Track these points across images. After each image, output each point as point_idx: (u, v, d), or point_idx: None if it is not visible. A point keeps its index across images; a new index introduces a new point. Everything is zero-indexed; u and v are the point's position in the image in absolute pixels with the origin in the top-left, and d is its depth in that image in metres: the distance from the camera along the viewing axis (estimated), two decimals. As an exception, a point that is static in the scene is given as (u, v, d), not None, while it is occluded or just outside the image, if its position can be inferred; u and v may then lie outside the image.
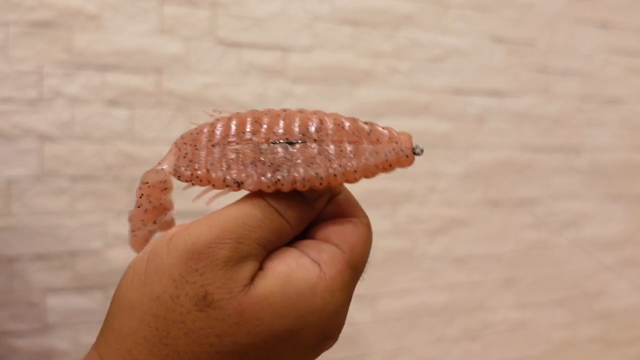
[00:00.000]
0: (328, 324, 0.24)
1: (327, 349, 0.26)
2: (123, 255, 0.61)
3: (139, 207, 0.27)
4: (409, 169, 0.85)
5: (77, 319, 0.60)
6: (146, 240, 0.28)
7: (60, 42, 0.59)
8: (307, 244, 0.25)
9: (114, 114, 0.61)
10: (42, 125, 0.59)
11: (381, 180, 0.77)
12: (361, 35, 0.72)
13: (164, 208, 0.28)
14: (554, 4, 0.85)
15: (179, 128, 0.64)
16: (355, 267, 0.25)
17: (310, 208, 0.26)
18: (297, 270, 0.23)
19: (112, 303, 0.24)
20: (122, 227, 0.61)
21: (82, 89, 0.60)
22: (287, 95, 0.68)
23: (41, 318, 0.59)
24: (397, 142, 0.27)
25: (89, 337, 0.61)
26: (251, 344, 0.22)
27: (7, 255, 0.58)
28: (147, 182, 0.27)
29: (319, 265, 0.24)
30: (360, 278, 0.26)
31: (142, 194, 0.27)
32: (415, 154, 0.27)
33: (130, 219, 0.28)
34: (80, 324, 0.61)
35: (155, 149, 0.63)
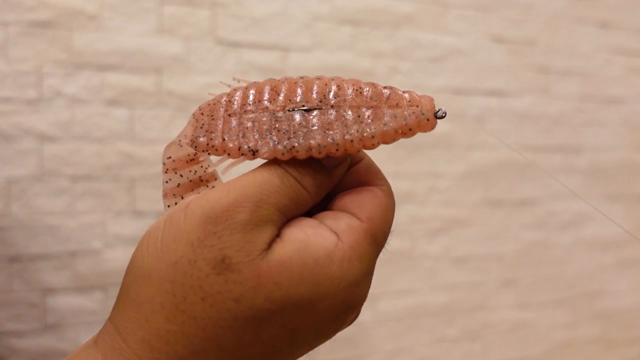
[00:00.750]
0: (347, 294, 0.23)
1: (348, 323, 0.25)
2: (123, 255, 0.61)
3: (167, 182, 0.27)
4: (409, 169, 0.84)
5: (77, 319, 0.60)
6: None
7: (60, 42, 0.59)
8: (326, 214, 0.25)
9: (114, 114, 0.61)
10: (42, 125, 0.59)
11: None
12: (361, 35, 0.72)
13: (204, 180, 0.28)
14: (554, 4, 0.85)
15: (179, 128, 0.64)
16: (374, 236, 0.24)
17: (328, 176, 0.25)
18: (314, 237, 0.23)
19: (126, 274, 0.24)
20: (122, 227, 0.61)
21: (82, 89, 0.60)
22: (287, 95, 0.68)
23: (41, 318, 0.59)
24: (417, 106, 0.26)
25: (89, 337, 0.61)
26: (269, 309, 0.22)
27: (7, 255, 0.58)
28: (170, 157, 0.27)
29: (336, 234, 0.23)
30: (383, 249, 0.26)
31: (167, 169, 0.27)
32: (437, 117, 0.26)
33: (164, 195, 0.28)
34: (80, 324, 0.61)
35: (155, 149, 0.63)
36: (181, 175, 0.27)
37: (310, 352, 0.24)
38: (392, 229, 0.26)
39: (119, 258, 0.61)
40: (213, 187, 0.28)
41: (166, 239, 0.23)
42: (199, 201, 0.23)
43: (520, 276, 0.85)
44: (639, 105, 0.92)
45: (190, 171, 0.28)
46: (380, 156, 0.79)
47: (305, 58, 0.69)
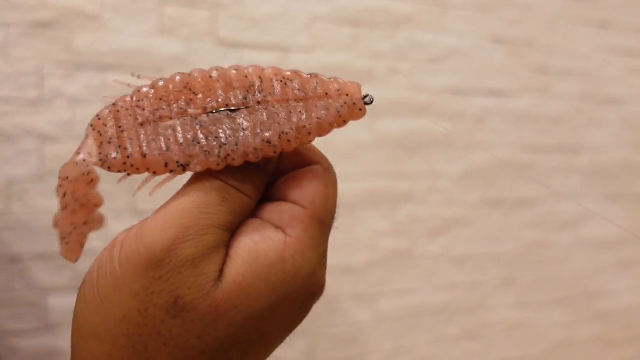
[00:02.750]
0: (306, 286, 0.22)
1: (313, 305, 0.24)
2: (123, 255, 0.61)
3: (64, 208, 0.23)
4: (409, 169, 0.84)
5: (77, 319, 0.60)
6: (81, 245, 0.24)
7: (61, 43, 0.59)
8: (266, 208, 0.23)
9: (115, 114, 0.61)
10: (43, 126, 0.59)
11: (381, 180, 0.78)
12: (361, 35, 0.73)
13: (93, 204, 0.24)
14: (553, 4, 0.85)
15: (179, 128, 0.64)
16: (321, 220, 0.23)
17: (264, 174, 0.24)
18: (261, 242, 0.21)
19: (73, 334, 0.22)
20: (122, 227, 0.61)
21: (82, 89, 0.60)
22: (287, 95, 0.68)
23: (42, 318, 0.59)
24: (347, 95, 0.24)
25: (90, 337, 0.61)
26: (233, 334, 0.21)
27: (8, 255, 0.58)
28: (68, 177, 0.23)
29: (282, 229, 0.22)
30: (333, 227, 0.24)
31: (64, 193, 0.23)
32: (366, 104, 0.25)
33: (57, 225, 0.24)
34: (81, 323, 0.61)
35: (156, 149, 0.63)
36: (76, 200, 0.23)
37: (310, 351, 0.24)
38: (338, 202, 0.25)
39: (120, 258, 0.61)
40: (100, 215, 0.24)
41: (105, 293, 0.21)
42: (133, 245, 0.21)
43: (520, 276, 0.85)
44: (638, 105, 0.92)
45: (85, 196, 0.24)
46: (380, 156, 0.79)
47: (305, 58, 0.69)
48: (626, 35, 0.90)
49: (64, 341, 0.60)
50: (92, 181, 0.24)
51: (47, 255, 0.59)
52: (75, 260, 0.24)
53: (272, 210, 0.23)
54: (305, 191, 0.23)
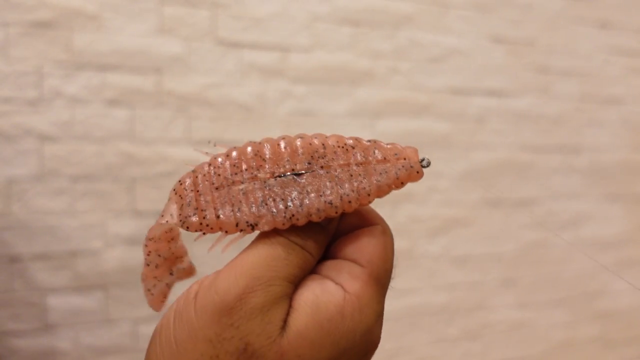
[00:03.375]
0: (364, 342, 0.23)
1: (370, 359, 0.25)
2: (123, 255, 0.61)
3: (148, 264, 0.26)
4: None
5: (77, 319, 0.60)
6: (165, 295, 0.27)
7: (61, 42, 0.59)
8: (327, 266, 0.25)
9: (114, 114, 0.61)
10: (43, 125, 0.59)
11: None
12: (361, 35, 0.73)
13: (176, 257, 0.27)
14: (553, 4, 0.85)
15: (179, 128, 0.64)
16: (377, 278, 0.24)
17: (326, 233, 0.26)
18: (321, 295, 0.23)
19: None
20: (122, 227, 0.61)
21: (82, 89, 0.60)
22: (287, 95, 0.68)
23: (41, 318, 0.59)
24: (405, 159, 0.26)
25: (89, 337, 0.61)
26: None
27: (8, 255, 0.58)
28: (153, 238, 0.26)
29: (341, 286, 0.23)
30: (390, 286, 0.26)
31: (149, 252, 0.26)
32: (423, 166, 0.26)
33: (143, 279, 0.27)
34: (81, 323, 0.61)
35: (156, 149, 0.63)
36: (159, 255, 0.26)
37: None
38: (394, 265, 0.26)
39: (119, 258, 0.61)
40: (186, 262, 0.27)
41: (180, 339, 0.22)
42: (208, 294, 0.22)
43: (520, 276, 0.85)
44: (638, 105, 0.92)
45: (168, 249, 0.26)
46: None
47: (305, 58, 0.69)
48: (626, 35, 0.90)
49: (62, 341, 0.60)
50: (174, 238, 0.26)
51: (47, 255, 0.59)
52: (160, 310, 0.27)
53: (332, 267, 0.25)
54: (364, 250, 0.25)
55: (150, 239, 0.26)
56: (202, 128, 0.65)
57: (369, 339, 0.24)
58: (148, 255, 0.26)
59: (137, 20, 0.62)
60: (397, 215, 0.75)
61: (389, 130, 0.74)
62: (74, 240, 0.60)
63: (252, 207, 0.24)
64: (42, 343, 0.59)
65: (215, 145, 0.26)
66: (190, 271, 0.27)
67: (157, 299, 0.27)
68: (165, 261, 0.26)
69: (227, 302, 0.22)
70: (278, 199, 0.24)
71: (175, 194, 0.25)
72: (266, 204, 0.24)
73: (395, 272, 0.26)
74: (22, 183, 0.58)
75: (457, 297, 0.81)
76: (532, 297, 0.86)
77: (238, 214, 0.24)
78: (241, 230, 0.24)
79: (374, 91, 0.73)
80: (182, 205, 0.25)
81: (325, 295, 0.23)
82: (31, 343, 0.59)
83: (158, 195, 0.63)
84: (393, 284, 0.26)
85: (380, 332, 0.25)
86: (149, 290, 0.26)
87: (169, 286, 0.27)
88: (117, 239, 0.61)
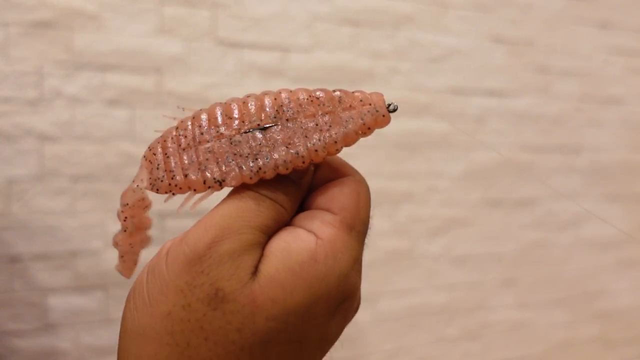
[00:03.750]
0: (339, 288, 0.23)
1: (351, 312, 0.25)
2: (123, 255, 0.61)
3: (124, 230, 0.26)
4: (409, 169, 0.84)
5: (77, 319, 0.60)
6: (135, 262, 0.27)
7: (61, 42, 0.59)
8: (299, 217, 0.25)
9: (114, 114, 0.61)
10: (43, 126, 0.59)
11: (381, 180, 0.77)
12: (361, 35, 0.73)
13: (145, 227, 0.27)
14: (553, 4, 0.85)
15: (179, 128, 0.64)
16: (351, 225, 0.24)
17: (298, 187, 0.26)
18: (293, 242, 0.23)
19: (121, 337, 0.23)
20: (123, 227, 0.61)
21: (82, 89, 0.60)
22: (287, 95, 0.68)
23: (42, 318, 0.59)
24: (370, 104, 0.26)
25: (90, 337, 0.61)
26: (271, 328, 0.21)
27: (8, 255, 0.58)
28: (128, 203, 0.26)
29: (314, 233, 0.23)
30: (368, 234, 0.26)
31: (125, 217, 0.26)
32: (390, 111, 0.26)
33: (118, 244, 0.26)
34: (81, 323, 0.61)
35: (156, 149, 0.63)
36: (134, 222, 0.26)
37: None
38: (371, 213, 0.26)
39: (119, 258, 0.61)
40: (149, 235, 0.27)
41: (153, 292, 0.22)
42: (179, 247, 0.22)
43: (520, 276, 0.85)
44: (638, 105, 0.92)
45: (141, 219, 0.27)
46: (379, 156, 0.79)
47: (305, 58, 0.69)
48: (626, 35, 0.90)
49: (63, 341, 0.60)
50: (147, 206, 0.27)
51: (47, 255, 0.59)
52: (129, 275, 0.27)
53: (304, 217, 0.25)
54: (336, 198, 0.25)
55: (125, 205, 0.26)
56: (164, 116, 0.65)
57: (345, 284, 0.23)
58: (124, 221, 0.26)
59: (137, 20, 0.62)
60: (397, 215, 0.75)
61: (389, 130, 0.74)
62: (74, 240, 0.60)
63: (218, 163, 0.24)
64: (42, 343, 0.59)
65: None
66: (148, 241, 0.27)
67: (128, 265, 0.27)
68: (137, 230, 0.27)
69: (196, 251, 0.22)
70: (245, 154, 0.24)
71: (145, 159, 0.26)
72: (233, 160, 0.24)
73: (373, 222, 0.26)
74: (22, 183, 0.58)
75: (457, 297, 0.81)
76: (532, 297, 0.86)
77: (205, 172, 0.24)
78: (209, 187, 0.24)
79: (374, 91, 0.73)
80: (152, 169, 0.25)
81: (297, 242, 0.23)
82: (31, 343, 0.59)
83: (158, 195, 0.63)
84: (387, 247, 0.26)
85: (358, 279, 0.25)
86: (122, 256, 0.27)
87: (136, 254, 0.27)
88: (117, 239, 0.61)
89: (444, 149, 0.78)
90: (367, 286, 0.72)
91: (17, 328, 0.58)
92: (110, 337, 0.61)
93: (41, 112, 0.59)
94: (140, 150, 0.63)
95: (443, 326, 0.80)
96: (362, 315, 0.74)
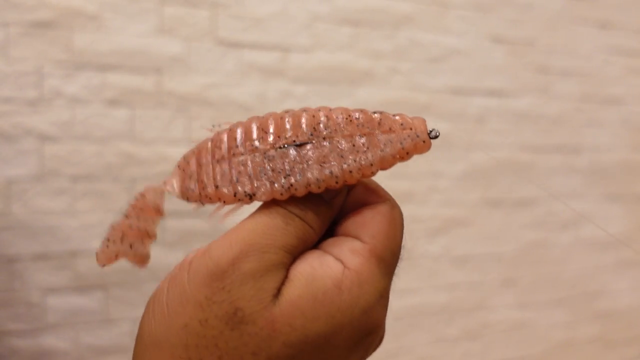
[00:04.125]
0: (363, 321, 0.22)
1: (373, 347, 0.24)
2: (123, 255, 0.61)
3: (126, 217, 0.26)
4: (409, 168, 0.84)
5: (77, 319, 0.60)
6: (111, 259, 0.26)
7: (61, 42, 0.59)
8: (328, 242, 0.24)
9: (114, 114, 0.61)
10: (43, 125, 0.59)
11: (380, 180, 0.77)
12: (361, 35, 0.73)
13: (147, 235, 0.26)
14: (553, 4, 0.85)
15: (179, 128, 0.64)
16: (380, 256, 0.23)
17: (329, 208, 0.25)
18: (319, 268, 0.22)
19: (136, 344, 0.23)
20: (123, 227, 0.61)
21: (82, 89, 0.60)
22: (287, 95, 0.68)
23: (41, 318, 0.59)
24: (411, 129, 0.25)
25: (89, 337, 0.61)
26: (288, 355, 0.21)
27: (8, 255, 0.58)
28: (145, 196, 0.26)
29: (341, 261, 0.23)
30: (398, 265, 0.25)
31: (134, 206, 0.26)
32: (431, 137, 0.26)
33: (112, 228, 0.26)
34: (81, 323, 0.61)
35: (156, 149, 0.63)
36: (138, 218, 0.26)
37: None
38: (403, 244, 0.25)
39: (119, 258, 0.61)
40: (147, 251, 0.26)
41: (172, 303, 0.22)
42: (202, 259, 0.22)
43: (520, 276, 0.85)
44: (638, 105, 0.92)
45: (147, 220, 0.26)
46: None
47: (305, 58, 0.69)
48: (626, 35, 0.90)
49: (62, 341, 0.60)
50: (159, 212, 0.26)
51: (47, 255, 0.59)
52: (103, 265, 0.26)
53: (333, 243, 0.24)
54: (367, 226, 0.24)
55: (142, 195, 0.26)
56: (202, 128, 0.65)
57: (370, 317, 0.23)
58: (132, 208, 0.26)
59: (137, 20, 0.62)
60: (397, 215, 0.75)
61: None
62: (74, 240, 0.60)
63: (250, 177, 0.24)
64: (42, 343, 0.59)
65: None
66: (143, 258, 0.26)
67: (108, 256, 0.26)
68: (138, 230, 0.26)
69: (219, 266, 0.21)
70: (277, 169, 0.24)
71: (179, 168, 0.26)
72: (265, 174, 0.24)
73: (404, 252, 0.25)
74: (22, 183, 0.58)
75: (457, 297, 0.81)
76: (532, 297, 0.86)
77: (236, 184, 0.24)
78: (239, 200, 0.24)
79: (374, 91, 0.73)
80: (184, 178, 0.25)
81: (323, 268, 0.22)
82: (31, 343, 0.59)
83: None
84: (402, 265, 0.25)
85: (383, 313, 0.24)
86: (108, 240, 0.26)
87: (122, 254, 0.26)
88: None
89: (444, 149, 0.78)
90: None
91: (16, 328, 0.58)
92: (110, 337, 0.61)
93: (41, 112, 0.59)
94: (140, 150, 0.63)
95: (443, 326, 0.80)
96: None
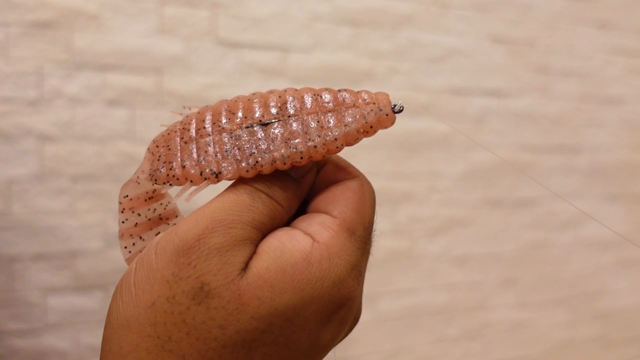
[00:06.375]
0: (333, 294, 0.22)
1: (349, 322, 0.24)
2: (123, 255, 0.61)
3: (123, 222, 0.26)
4: (409, 169, 0.84)
5: (77, 319, 0.60)
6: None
7: (61, 42, 0.59)
8: (299, 219, 0.24)
9: (114, 114, 0.61)
10: (43, 126, 0.59)
11: (381, 180, 0.77)
12: (361, 35, 0.73)
13: (163, 217, 0.27)
14: (553, 4, 0.85)
15: (179, 128, 0.64)
16: (351, 229, 0.23)
17: (298, 186, 0.25)
18: (288, 242, 0.22)
19: (105, 327, 0.23)
20: (123, 227, 0.61)
21: (82, 89, 0.60)
22: (287, 95, 0.68)
23: (41, 318, 0.59)
24: (374, 103, 0.25)
25: (89, 337, 0.61)
26: (256, 328, 0.21)
27: (8, 255, 0.58)
28: (127, 195, 0.26)
29: (310, 235, 0.23)
30: (372, 242, 0.25)
31: (123, 209, 0.26)
32: (395, 112, 0.26)
33: (120, 237, 0.26)
34: (81, 323, 0.61)
35: (156, 149, 0.63)
36: (139, 214, 0.26)
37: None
38: (375, 219, 0.25)
39: (119, 258, 0.61)
40: (174, 223, 0.27)
41: (139, 282, 0.21)
42: (168, 237, 0.22)
43: (520, 276, 0.85)
44: (638, 105, 0.92)
45: (149, 209, 0.26)
46: (379, 156, 0.79)
47: (305, 58, 0.69)
48: (626, 35, 0.90)
49: (62, 341, 0.60)
50: (152, 197, 0.26)
51: (47, 255, 0.59)
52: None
53: (303, 219, 0.24)
54: (336, 201, 0.24)
55: (124, 197, 0.26)
56: (171, 112, 0.65)
57: (341, 290, 0.22)
58: (122, 212, 0.26)
59: (137, 20, 0.62)
60: (397, 215, 0.75)
61: (389, 130, 0.74)
62: (74, 240, 0.60)
63: (217, 156, 0.24)
64: (42, 343, 0.59)
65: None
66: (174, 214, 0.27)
67: (134, 257, 0.26)
68: (149, 221, 0.26)
69: (185, 243, 0.21)
70: (244, 148, 0.24)
71: (149, 151, 0.26)
72: (231, 153, 0.24)
73: (376, 226, 0.25)
74: (22, 183, 0.58)
75: (457, 297, 0.81)
76: (532, 297, 0.86)
77: (203, 163, 0.24)
78: (206, 179, 0.24)
79: (374, 91, 0.73)
80: (153, 161, 0.25)
81: (292, 243, 0.22)
82: (31, 343, 0.59)
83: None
84: (386, 246, 0.25)
85: (356, 287, 0.24)
86: (125, 247, 0.26)
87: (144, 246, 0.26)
88: (117, 239, 0.61)
89: (444, 149, 0.78)
90: (367, 286, 0.72)
91: (16, 328, 0.58)
92: (110, 337, 0.61)
93: (41, 112, 0.59)
94: (141, 150, 0.63)
95: (443, 326, 0.80)
96: (362, 315, 0.74)
